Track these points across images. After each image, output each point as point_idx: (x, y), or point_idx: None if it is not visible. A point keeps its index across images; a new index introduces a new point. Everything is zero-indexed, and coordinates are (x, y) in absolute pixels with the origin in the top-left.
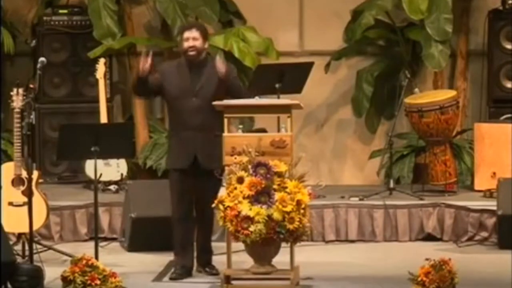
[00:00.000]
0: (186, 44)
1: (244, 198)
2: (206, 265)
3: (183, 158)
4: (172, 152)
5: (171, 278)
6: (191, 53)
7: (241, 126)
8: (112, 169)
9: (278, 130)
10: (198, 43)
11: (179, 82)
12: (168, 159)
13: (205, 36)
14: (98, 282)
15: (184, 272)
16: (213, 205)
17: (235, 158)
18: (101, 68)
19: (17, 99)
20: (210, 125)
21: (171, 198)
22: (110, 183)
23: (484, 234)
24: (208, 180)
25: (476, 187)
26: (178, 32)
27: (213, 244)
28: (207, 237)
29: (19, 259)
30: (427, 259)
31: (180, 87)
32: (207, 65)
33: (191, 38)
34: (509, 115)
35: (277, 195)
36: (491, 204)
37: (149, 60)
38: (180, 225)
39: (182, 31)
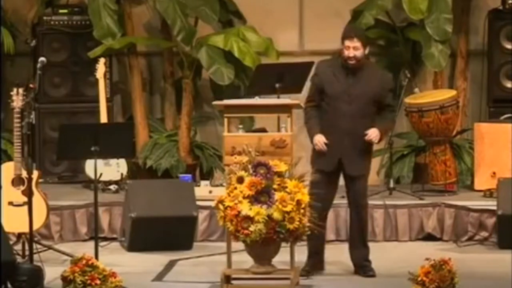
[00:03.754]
0: (346, 53)
1: (244, 198)
2: (364, 262)
3: (328, 161)
4: (318, 153)
5: (301, 275)
6: (351, 62)
7: (241, 126)
8: (112, 169)
9: (278, 130)
10: (359, 53)
11: (337, 85)
12: (313, 158)
13: (365, 43)
14: (98, 282)
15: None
16: (213, 205)
17: (235, 158)
18: (101, 68)
19: (17, 99)
20: (360, 130)
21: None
22: (110, 183)
23: (484, 234)
24: (353, 184)
25: (476, 187)
26: (342, 37)
27: (213, 244)
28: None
29: (19, 259)
30: (427, 259)
31: (338, 91)
32: (364, 70)
33: (352, 48)
34: (509, 115)
35: (277, 195)
36: (491, 204)
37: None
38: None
39: (344, 37)
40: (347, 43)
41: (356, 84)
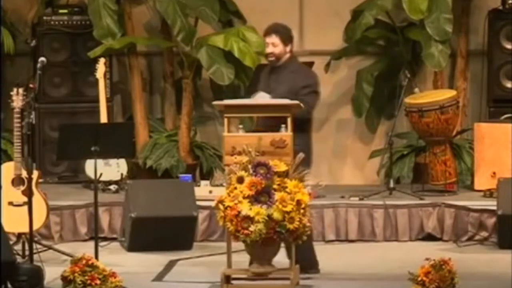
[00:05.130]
0: (266, 50)
1: (244, 198)
2: None
3: None
4: None
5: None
6: (270, 59)
7: (241, 126)
8: (112, 169)
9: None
10: (277, 49)
11: (261, 84)
12: None
13: (286, 40)
14: (98, 282)
15: None
16: (213, 205)
17: (235, 158)
18: (101, 68)
19: (17, 99)
20: (278, 128)
21: None
22: (110, 183)
23: (484, 234)
24: None
25: (476, 187)
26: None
27: (213, 244)
28: None
29: (19, 259)
30: (427, 259)
31: (260, 89)
32: (287, 68)
33: (270, 44)
34: (509, 115)
35: (277, 195)
36: (491, 204)
37: None
38: None
39: (263, 35)
40: (266, 40)
41: (275, 82)
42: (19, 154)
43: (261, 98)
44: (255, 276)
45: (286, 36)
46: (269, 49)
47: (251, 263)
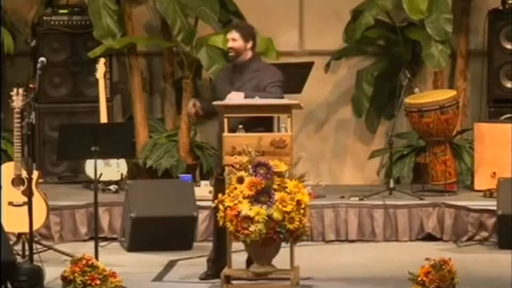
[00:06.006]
0: (227, 46)
1: (244, 198)
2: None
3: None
4: (217, 155)
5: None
6: (231, 54)
7: (241, 126)
8: (112, 169)
9: (278, 130)
10: (237, 44)
11: (224, 85)
12: (215, 160)
13: (246, 36)
14: (98, 282)
15: None
16: (213, 205)
17: (235, 158)
18: (101, 68)
19: (17, 99)
20: (246, 125)
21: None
22: (110, 183)
23: (484, 234)
24: None
25: (476, 187)
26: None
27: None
28: None
29: (19, 259)
30: (427, 259)
31: (224, 90)
32: (251, 66)
33: (231, 39)
34: (509, 115)
35: (277, 195)
36: (491, 204)
37: (195, 108)
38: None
39: (225, 32)
40: (227, 36)
41: (239, 81)
42: (19, 154)
43: (235, 97)
44: (255, 276)
45: (246, 33)
46: (229, 44)
47: (247, 262)
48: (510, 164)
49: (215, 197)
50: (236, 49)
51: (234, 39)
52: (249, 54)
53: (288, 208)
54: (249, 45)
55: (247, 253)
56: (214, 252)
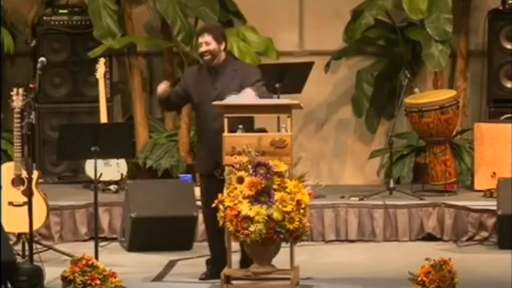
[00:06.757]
0: (200, 50)
1: (244, 198)
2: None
3: (206, 165)
4: (198, 158)
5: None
6: (206, 57)
7: (241, 126)
8: (112, 169)
9: (278, 130)
10: (211, 47)
11: (201, 87)
12: (196, 164)
13: (218, 38)
14: (98, 282)
15: None
16: (213, 205)
17: (235, 158)
18: (101, 68)
19: (17, 99)
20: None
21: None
22: (110, 183)
23: (484, 234)
24: None
25: (476, 187)
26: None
27: None
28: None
29: (19, 259)
30: (427, 259)
31: (202, 92)
32: (227, 67)
33: (204, 43)
34: (509, 115)
35: (277, 195)
36: (491, 204)
37: (165, 84)
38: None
39: (196, 37)
40: (199, 40)
41: (217, 82)
42: (19, 154)
43: (249, 96)
44: (255, 276)
45: (218, 34)
46: (203, 48)
47: (241, 262)
48: (510, 164)
49: (201, 197)
50: (212, 51)
51: (208, 43)
52: (223, 55)
53: (288, 208)
54: (222, 46)
55: (243, 253)
56: (210, 253)
